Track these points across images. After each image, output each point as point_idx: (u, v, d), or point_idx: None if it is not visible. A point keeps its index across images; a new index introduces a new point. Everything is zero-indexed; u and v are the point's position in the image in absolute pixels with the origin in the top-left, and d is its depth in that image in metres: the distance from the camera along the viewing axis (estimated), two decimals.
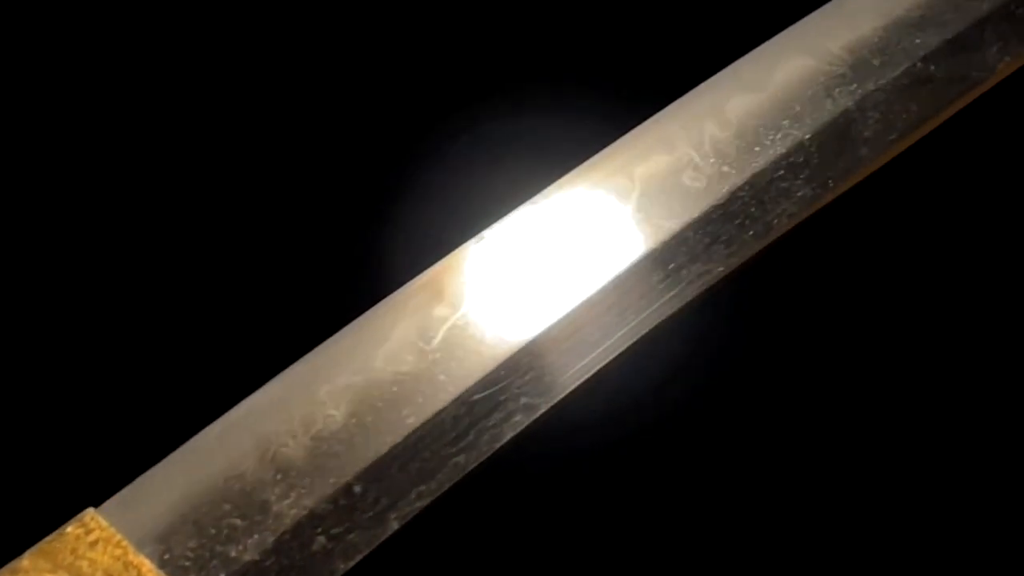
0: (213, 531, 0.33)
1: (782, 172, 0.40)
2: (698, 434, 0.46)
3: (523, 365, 0.36)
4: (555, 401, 0.36)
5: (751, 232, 0.39)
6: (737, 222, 0.39)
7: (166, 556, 0.32)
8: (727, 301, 0.42)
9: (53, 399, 0.45)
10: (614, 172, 0.39)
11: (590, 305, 0.37)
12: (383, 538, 0.34)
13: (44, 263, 0.48)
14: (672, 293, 0.38)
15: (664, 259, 0.38)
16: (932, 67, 0.42)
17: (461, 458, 0.35)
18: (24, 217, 0.49)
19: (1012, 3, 0.43)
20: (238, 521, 0.33)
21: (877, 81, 0.41)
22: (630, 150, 0.39)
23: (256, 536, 0.33)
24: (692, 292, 0.38)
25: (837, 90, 0.41)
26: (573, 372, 0.36)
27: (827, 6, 0.43)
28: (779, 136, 0.40)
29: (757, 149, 0.40)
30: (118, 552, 0.32)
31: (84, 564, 0.31)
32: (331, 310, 0.38)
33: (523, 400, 0.36)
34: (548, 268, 0.37)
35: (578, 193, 0.39)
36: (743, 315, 0.48)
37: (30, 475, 0.43)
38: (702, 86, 0.41)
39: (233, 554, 0.32)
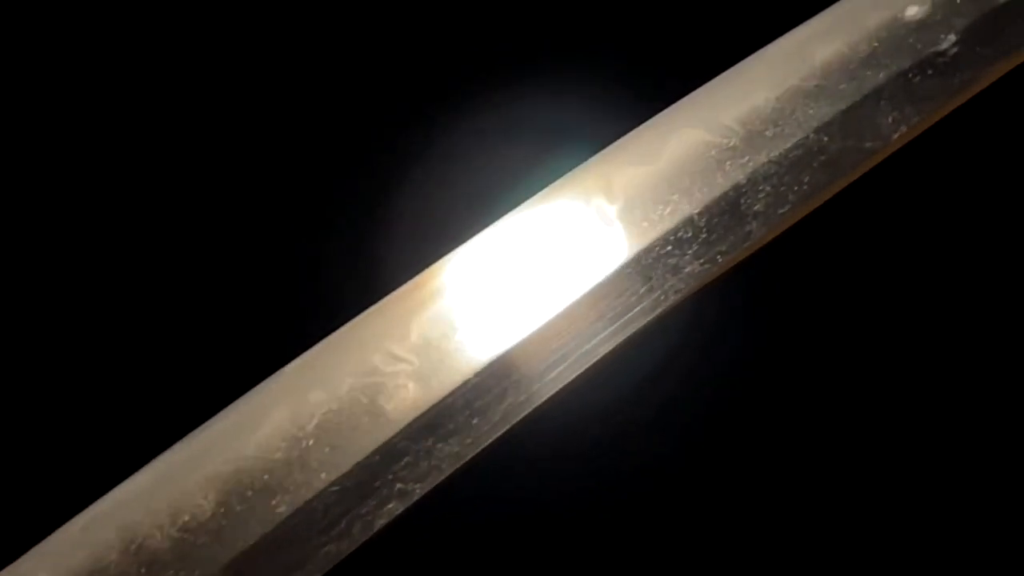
0: None
1: (670, 248, 0.39)
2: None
3: (399, 450, 0.36)
4: (431, 487, 0.36)
5: (637, 308, 0.39)
6: (622, 299, 0.39)
7: None
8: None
9: None
10: (502, 249, 0.39)
11: (464, 391, 0.36)
12: None
13: None
14: (554, 373, 0.37)
15: (547, 339, 0.38)
16: (825, 138, 0.41)
17: (332, 547, 0.34)
18: None
19: (909, 72, 0.42)
20: None
21: (769, 153, 0.41)
22: (512, 229, 0.39)
23: None
24: (573, 372, 0.38)
25: (728, 163, 0.41)
26: (449, 457, 0.36)
27: (721, 76, 0.42)
28: (668, 211, 0.40)
29: (645, 224, 0.39)
30: None
31: None
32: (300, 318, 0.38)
33: (398, 486, 0.35)
34: (424, 352, 0.37)
35: (461, 273, 0.38)
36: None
37: None
38: (591, 159, 0.40)
39: None
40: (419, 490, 0.35)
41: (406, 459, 0.36)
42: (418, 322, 0.37)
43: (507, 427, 0.36)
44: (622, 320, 0.38)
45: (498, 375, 0.37)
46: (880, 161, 0.41)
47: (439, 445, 0.36)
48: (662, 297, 0.39)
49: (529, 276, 0.38)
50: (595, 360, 0.38)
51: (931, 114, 0.42)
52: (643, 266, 0.39)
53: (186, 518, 0.34)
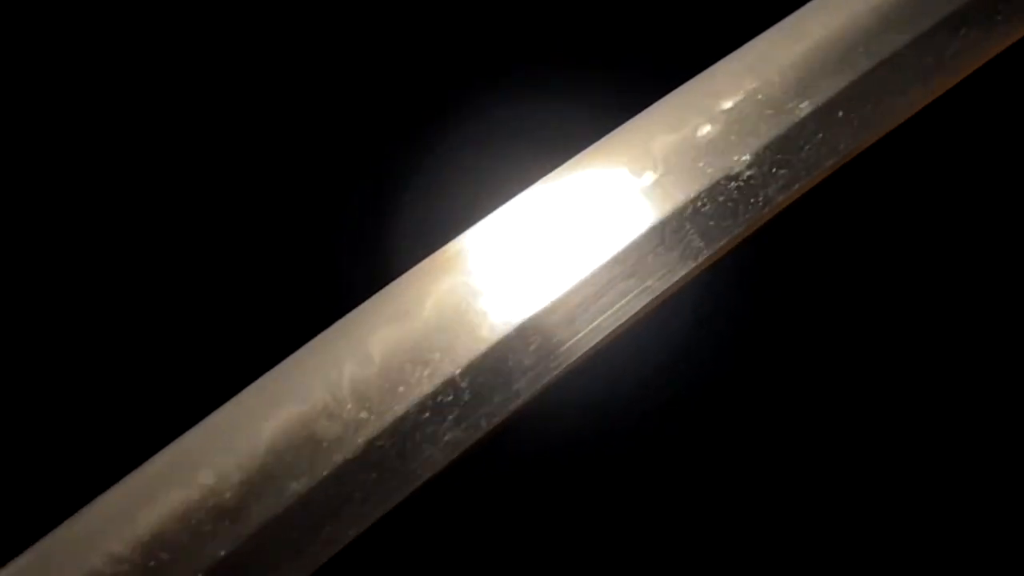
0: None
1: (428, 414, 0.36)
2: None
3: None
4: None
5: (390, 484, 0.36)
6: (374, 475, 0.36)
7: None
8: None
9: None
10: (240, 424, 0.36)
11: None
12: None
13: None
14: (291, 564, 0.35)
15: (284, 526, 0.35)
16: (605, 280, 0.38)
17: None
18: None
19: (697, 199, 0.39)
20: None
21: (539, 305, 0.38)
22: (255, 401, 0.36)
23: None
24: (324, 555, 0.35)
25: (493, 313, 0.37)
26: None
27: (485, 219, 0.39)
28: (427, 372, 0.37)
29: (401, 389, 0.36)
30: None
31: None
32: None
33: None
34: (150, 551, 0.34)
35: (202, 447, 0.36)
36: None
37: None
38: (343, 319, 0.37)
39: None
40: None
41: None
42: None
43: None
44: (372, 500, 0.35)
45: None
46: (665, 300, 0.38)
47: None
48: (417, 470, 0.36)
49: (276, 459, 0.36)
50: (339, 548, 0.35)
51: (721, 247, 0.39)
52: (398, 436, 0.36)
53: None
